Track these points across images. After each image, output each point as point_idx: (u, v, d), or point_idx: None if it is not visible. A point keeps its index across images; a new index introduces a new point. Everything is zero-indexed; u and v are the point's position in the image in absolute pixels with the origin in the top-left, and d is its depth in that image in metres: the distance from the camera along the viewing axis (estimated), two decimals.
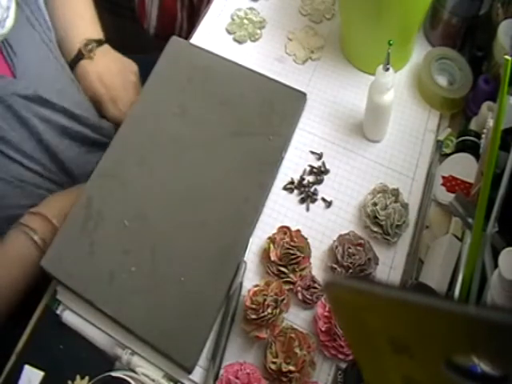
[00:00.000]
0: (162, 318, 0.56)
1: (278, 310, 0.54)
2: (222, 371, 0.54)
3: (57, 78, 0.71)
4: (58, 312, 0.60)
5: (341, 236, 0.60)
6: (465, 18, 0.66)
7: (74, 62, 0.77)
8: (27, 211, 0.63)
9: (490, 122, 0.57)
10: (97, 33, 0.79)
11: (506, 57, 0.42)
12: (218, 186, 0.62)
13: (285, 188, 0.65)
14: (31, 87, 0.65)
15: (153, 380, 0.55)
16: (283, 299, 0.55)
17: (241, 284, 0.58)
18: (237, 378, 0.52)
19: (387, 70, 0.57)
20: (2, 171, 0.63)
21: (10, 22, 0.60)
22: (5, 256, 0.60)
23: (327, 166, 0.66)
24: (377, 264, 0.58)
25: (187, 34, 0.78)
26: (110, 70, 0.78)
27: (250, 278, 0.60)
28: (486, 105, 0.62)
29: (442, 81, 0.68)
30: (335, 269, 0.58)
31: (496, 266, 0.44)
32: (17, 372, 0.58)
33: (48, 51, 0.71)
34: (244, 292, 0.58)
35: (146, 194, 0.62)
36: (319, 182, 0.65)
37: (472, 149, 0.62)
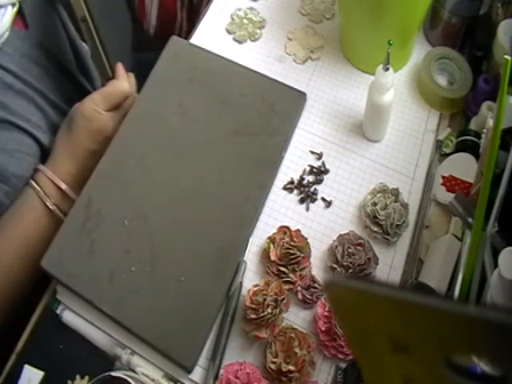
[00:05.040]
0: (161, 318, 0.56)
1: (277, 310, 0.54)
2: (221, 371, 0.54)
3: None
4: (57, 312, 0.60)
5: (341, 236, 0.60)
6: (465, 18, 0.66)
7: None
8: (39, 173, 0.62)
9: (490, 122, 0.57)
10: None
11: (506, 57, 0.43)
12: (217, 186, 0.62)
13: (285, 188, 0.65)
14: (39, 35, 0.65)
15: (153, 380, 0.55)
16: (283, 299, 0.55)
17: (241, 284, 0.58)
18: (237, 377, 0.52)
19: (387, 69, 0.57)
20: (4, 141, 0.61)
21: None
22: (21, 219, 0.60)
23: (327, 166, 0.66)
24: (377, 264, 0.58)
25: (187, 34, 0.78)
26: None
27: (250, 278, 0.60)
28: (485, 104, 0.62)
29: (442, 81, 0.68)
30: (335, 269, 0.58)
31: (496, 265, 0.44)
32: (17, 372, 0.57)
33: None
34: (244, 292, 0.58)
35: (145, 193, 0.62)
36: (319, 181, 0.65)
37: (472, 149, 0.62)
